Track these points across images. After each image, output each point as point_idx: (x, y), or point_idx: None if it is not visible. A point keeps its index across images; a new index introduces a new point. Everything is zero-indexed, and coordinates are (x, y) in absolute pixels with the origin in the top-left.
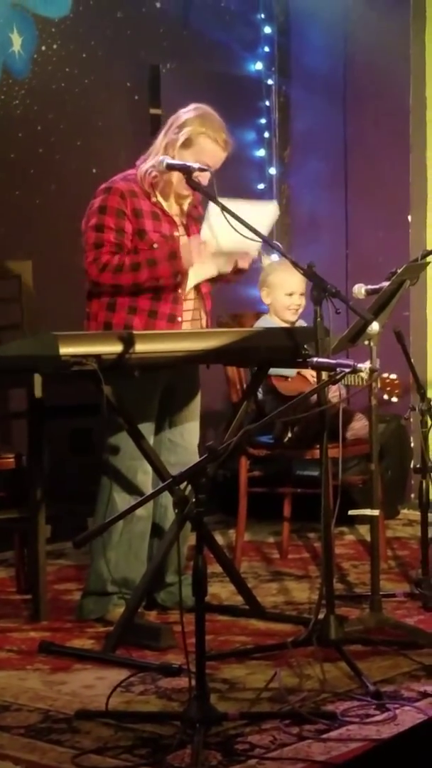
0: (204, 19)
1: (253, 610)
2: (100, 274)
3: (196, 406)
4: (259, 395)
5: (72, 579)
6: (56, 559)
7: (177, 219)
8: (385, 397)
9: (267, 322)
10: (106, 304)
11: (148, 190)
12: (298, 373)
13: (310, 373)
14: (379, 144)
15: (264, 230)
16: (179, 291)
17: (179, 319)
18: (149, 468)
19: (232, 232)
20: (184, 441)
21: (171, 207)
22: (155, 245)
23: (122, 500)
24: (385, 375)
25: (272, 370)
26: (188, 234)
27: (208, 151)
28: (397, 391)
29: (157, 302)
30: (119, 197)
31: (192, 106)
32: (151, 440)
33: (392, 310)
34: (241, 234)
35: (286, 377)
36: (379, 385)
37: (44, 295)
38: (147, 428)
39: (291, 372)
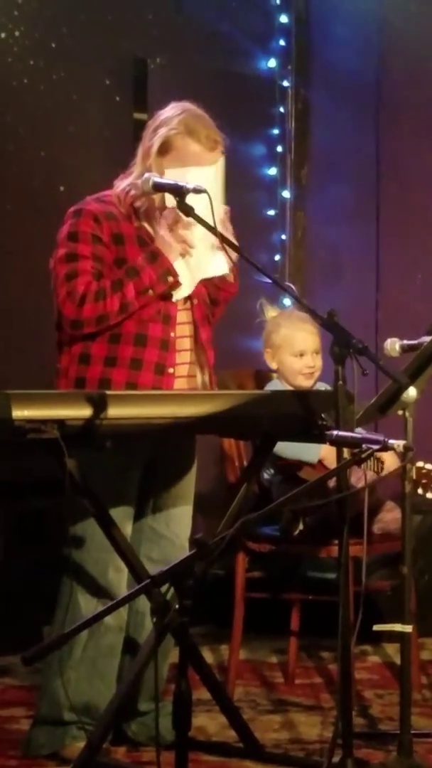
0: (203, 2)
1: (249, 748)
2: (80, 309)
3: (188, 486)
4: (265, 475)
5: (19, 703)
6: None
7: None
8: (420, 491)
9: (276, 386)
10: (78, 356)
11: (129, 213)
12: (321, 462)
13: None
14: (420, 167)
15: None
16: (174, 307)
17: (170, 370)
18: (123, 564)
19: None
20: (170, 531)
21: None
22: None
23: (87, 604)
24: (421, 465)
25: (289, 451)
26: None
27: (191, 154)
28: None
29: (141, 348)
30: (93, 221)
31: (171, 104)
32: (128, 529)
33: None
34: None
35: (303, 464)
36: (414, 476)
37: None
38: (123, 513)
39: (313, 457)
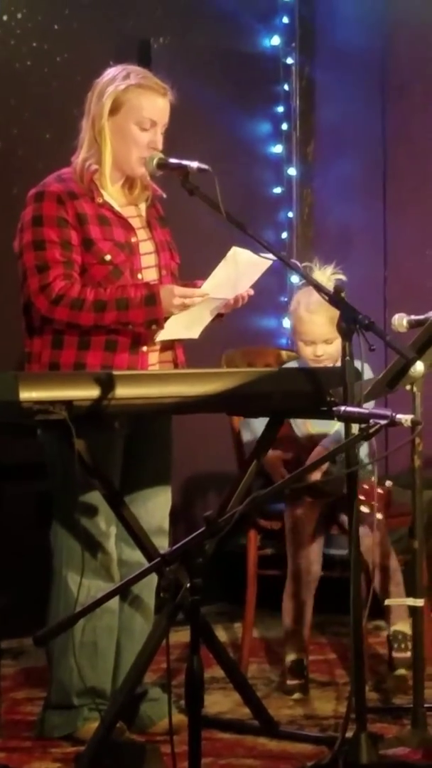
0: None
1: (264, 726)
2: (53, 308)
3: (166, 469)
4: None
5: (33, 685)
6: (14, 658)
7: (135, 222)
8: (363, 508)
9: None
10: (50, 340)
11: (89, 189)
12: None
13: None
14: (426, 142)
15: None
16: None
17: (144, 349)
18: (113, 547)
19: (239, 281)
20: (149, 515)
21: (124, 207)
22: (107, 257)
23: (83, 589)
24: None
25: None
26: (153, 239)
27: (146, 102)
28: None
29: (115, 333)
30: (56, 203)
31: (107, 71)
32: (103, 517)
33: None
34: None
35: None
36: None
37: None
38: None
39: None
